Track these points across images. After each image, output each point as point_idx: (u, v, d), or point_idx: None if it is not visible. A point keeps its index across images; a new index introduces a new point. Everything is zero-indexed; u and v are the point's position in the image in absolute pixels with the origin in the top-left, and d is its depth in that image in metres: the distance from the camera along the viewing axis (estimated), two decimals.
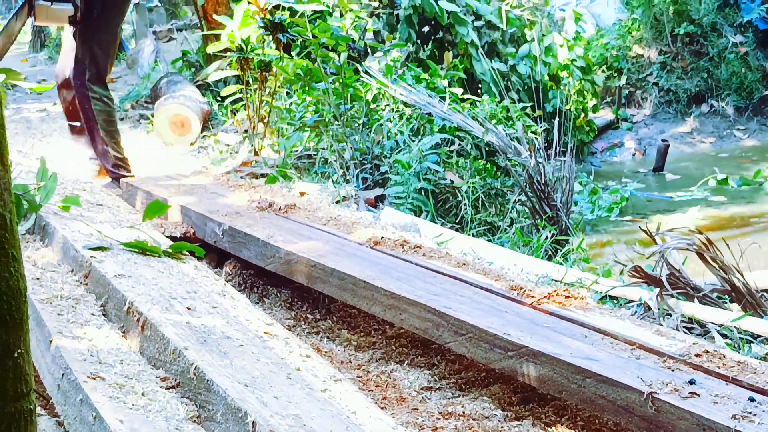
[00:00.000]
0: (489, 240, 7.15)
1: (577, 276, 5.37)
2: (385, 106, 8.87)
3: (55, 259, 4.49)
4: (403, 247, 4.78)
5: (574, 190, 8.24)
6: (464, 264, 4.54)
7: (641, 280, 5.07)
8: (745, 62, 15.46)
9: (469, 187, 7.89)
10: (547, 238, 7.10)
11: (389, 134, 8.30)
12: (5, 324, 1.77)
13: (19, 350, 1.78)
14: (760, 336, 4.45)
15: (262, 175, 7.75)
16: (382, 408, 3.53)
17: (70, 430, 3.02)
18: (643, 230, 5.35)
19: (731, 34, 15.66)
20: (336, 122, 8.31)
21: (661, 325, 4.34)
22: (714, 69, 15.62)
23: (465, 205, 7.81)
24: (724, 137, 15.20)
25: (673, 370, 3.24)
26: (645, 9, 16.06)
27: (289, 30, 9.16)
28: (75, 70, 7.13)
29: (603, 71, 15.70)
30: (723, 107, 15.48)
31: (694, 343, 3.44)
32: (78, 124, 7.43)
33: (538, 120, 10.64)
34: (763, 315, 4.83)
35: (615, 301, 5.14)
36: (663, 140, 14.02)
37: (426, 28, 11.90)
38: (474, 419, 3.58)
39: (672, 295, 4.85)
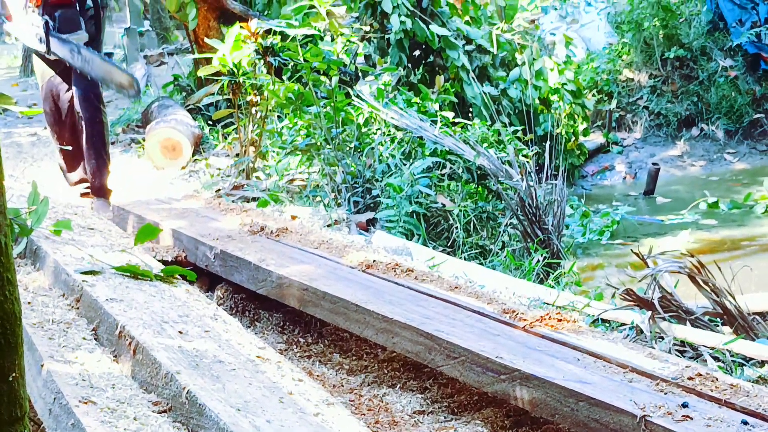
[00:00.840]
0: (481, 263, 7.15)
1: (569, 299, 5.37)
2: (377, 129, 8.88)
3: (46, 283, 4.48)
4: (395, 271, 4.78)
5: (566, 213, 8.25)
6: (456, 287, 4.54)
7: (633, 303, 5.08)
8: (734, 86, 15.51)
9: (460, 210, 7.89)
10: (538, 261, 7.11)
11: (381, 158, 8.31)
12: (0, 347, 1.76)
13: (14, 374, 1.77)
14: (752, 359, 4.46)
15: (254, 199, 7.75)
16: None
17: None
18: (635, 253, 5.36)
19: (721, 58, 15.72)
20: (327, 146, 8.32)
21: (654, 348, 4.35)
22: (704, 93, 15.67)
23: (456, 228, 7.82)
24: (715, 161, 15.23)
25: (665, 393, 3.23)
26: (635, 33, 16.12)
27: (280, 54, 9.18)
28: (88, 85, 7.18)
29: (593, 95, 15.74)
30: (713, 131, 15.53)
31: (686, 366, 3.44)
32: (69, 148, 7.43)
33: (529, 143, 10.67)
34: (755, 338, 4.84)
35: (607, 325, 5.15)
36: (653, 164, 14.05)
37: (417, 52, 11.93)
38: None
39: (664, 318, 4.86)
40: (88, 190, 7.51)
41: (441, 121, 9.02)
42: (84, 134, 7.28)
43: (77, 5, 7.01)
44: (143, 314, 3.75)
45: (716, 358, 4.49)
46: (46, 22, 6.84)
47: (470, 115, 11.57)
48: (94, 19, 7.17)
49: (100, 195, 7.38)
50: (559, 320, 3.97)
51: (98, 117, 7.28)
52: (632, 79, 16.14)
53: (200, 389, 3.02)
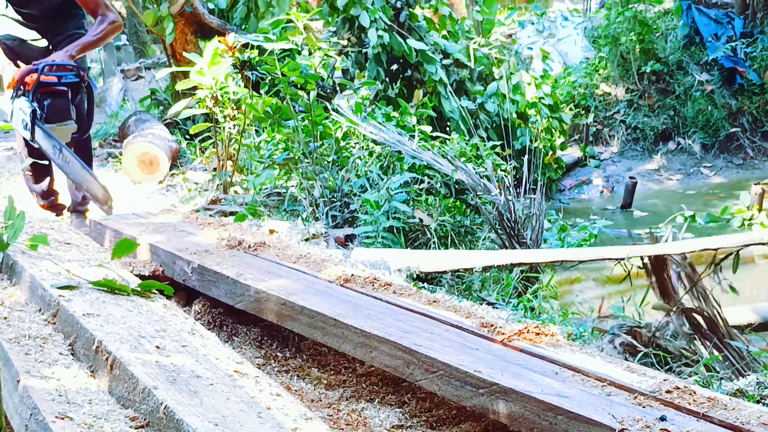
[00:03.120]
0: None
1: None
2: (355, 144, 8.88)
3: (22, 298, 4.45)
4: (373, 285, 4.77)
5: (544, 227, 8.26)
6: (435, 301, 4.54)
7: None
8: (711, 100, 15.60)
9: (438, 224, 7.89)
10: (517, 275, 7.11)
11: (359, 172, 8.31)
12: None
13: None
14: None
15: (231, 213, 7.74)
16: None
17: None
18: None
19: (697, 72, 15.82)
20: (305, 160, 8.32)
21: (632, 360, 4.35)
22: (680, 107, 15.75)
23: (435, 243, 7.81)
24: (691, 174, 15.31)
25: (644, 407, 3.24)
26: (612, 47, 16.20)
27: (257, 68, 9.18)
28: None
29: (571, 109, 15.81)
30: (690, 145, 15.61)
31: (664, 380, 3.44)
32: (46, 162, 7.38)
33: (507, 158, 10.69)
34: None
35: (583, 339, 5.16)
36: (630, 177, 14.11)
37: (395, 67, 11.95)
38: None
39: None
40: (54, 204, 7.50)
41: (419, 136, 9.03)
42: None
43: (69, 94, 6.90)
44: (120, 329, 3.73)
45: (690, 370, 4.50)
46: (34, 111, 6.64)
47: (448, 129, 11.59)
48: (87, 107, 7.12)
49: (79, 210, 7.34)
50: (538, 334, 3.97)
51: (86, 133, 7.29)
52: (609, 93, 16.22)
53: (178, 404, 3.01)
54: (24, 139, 7.23)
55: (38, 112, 6.64)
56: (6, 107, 6.95)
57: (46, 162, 7.35)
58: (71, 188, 7.31)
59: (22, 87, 6.71)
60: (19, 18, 7.08)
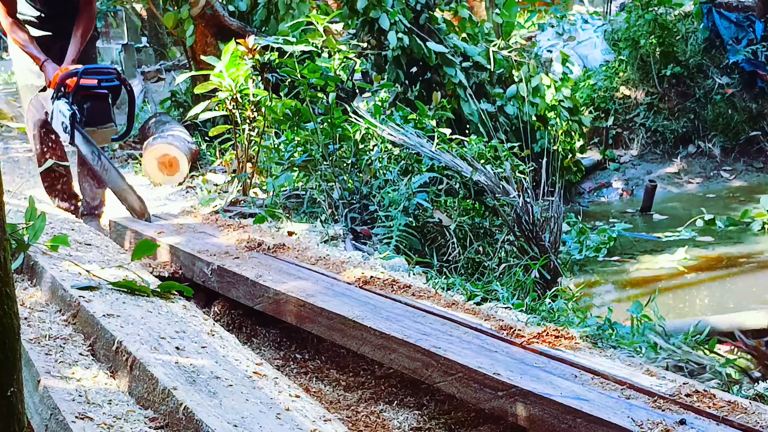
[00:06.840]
0: (477, 279, 7.14)
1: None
2: (374, 146, 8.87)
3: (43, 298, 4.47)
4: (392, 287, 4.78)
5: (562, 230, 8.24)
6: (454, 304, 4.54)
7: None
8: (731, 103, 15.55)
9: (457, 226, 7.88)
10: (535, 277, 7.09)
11: (378, 174, 8.31)
12: None
13: (13, 389, 1.77)
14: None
15: (251, 215, 7.74)
16: None
17: None
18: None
19: (717, 75, 15.76)
20: (324, 162, 8.32)
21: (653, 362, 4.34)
22: (700, 110, 15.71)
23: (453, 243, 7.80)
24: (711, 178, 15.26)
25: (663, 410, 3.23)
26: (632, 50, 16.16)
27: (277, 70, 9.18)
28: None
29: (590, 112, 15.78)
30: (710, 148, 15.56)
31: (684, 383, 3.44)
32: (67, 163, 7.40)
33: (526, 160, 10.68)
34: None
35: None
36: (650, 181, 14.07)
37: (414, 69, 11.95)
38: None
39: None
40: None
41: (438, 138, 9.02)
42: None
43: (110, 97, 6.88)
44: (140, 330, 3.74)
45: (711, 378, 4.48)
46: (73, 114, 6.61)
47: (467, 131, 11.58)
48: (128, 110, 7.15)
49: (94, 214, 7.34)
50: (557, 337, 3.97)
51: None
52: (629, 97, 16.18)
53: (197, 405, 3.02)
54: (38, 144, 7.24)
55: (78, 115, 6.63)
56: (48, 107, 6.96)
57: (66, 163, 7.37)
58: (85, 191, 7.31)
59: (62, 89, 6.70)
60: (34, 18, 7.07)
